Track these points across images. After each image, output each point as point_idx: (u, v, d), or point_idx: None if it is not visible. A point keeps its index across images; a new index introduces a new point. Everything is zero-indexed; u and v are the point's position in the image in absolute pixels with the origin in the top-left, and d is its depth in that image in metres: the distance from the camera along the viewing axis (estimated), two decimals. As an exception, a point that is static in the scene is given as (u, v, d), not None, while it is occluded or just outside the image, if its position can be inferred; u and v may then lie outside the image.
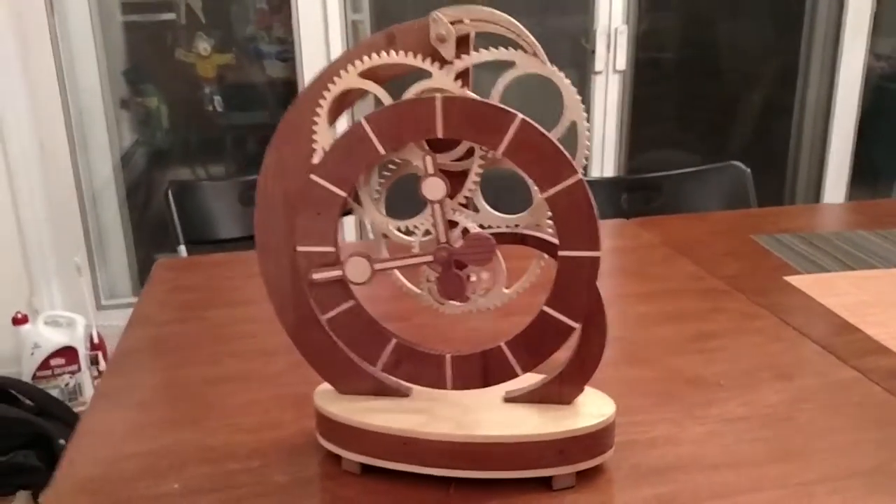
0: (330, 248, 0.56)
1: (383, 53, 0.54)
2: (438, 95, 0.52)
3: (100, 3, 2.16)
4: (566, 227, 0.53)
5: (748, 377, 0.74)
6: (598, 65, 2.28)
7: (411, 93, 0.54)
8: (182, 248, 1.46)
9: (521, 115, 0.51)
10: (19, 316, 2.05)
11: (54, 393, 2.02)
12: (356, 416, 0.60)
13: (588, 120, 0.53)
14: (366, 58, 0.54)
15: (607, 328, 0.58)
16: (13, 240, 2.08)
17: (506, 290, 0.59)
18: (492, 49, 0.53)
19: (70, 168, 2.13)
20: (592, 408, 0.60)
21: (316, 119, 0.55)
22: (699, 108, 2.73)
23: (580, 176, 0.52)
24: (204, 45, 2.17)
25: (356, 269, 0.56)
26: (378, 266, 0.56)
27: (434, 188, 0.53)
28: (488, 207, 0.57)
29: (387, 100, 0.54)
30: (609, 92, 2.31)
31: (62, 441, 1.80)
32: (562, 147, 0.52)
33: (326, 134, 0.55)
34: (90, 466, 0.64)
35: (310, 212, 0.56)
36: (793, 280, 0.97)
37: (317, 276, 0.56)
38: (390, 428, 0.59)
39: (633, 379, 0.75)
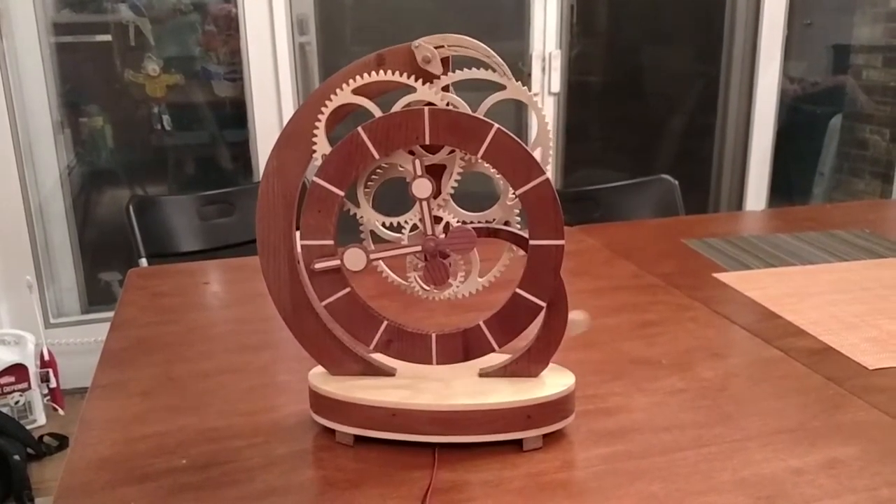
0: (329, 242, 0.64)
1: (370, 74, 0.62)
2: (426, 108, 0.61)
3: (47, 25, 2.18)
4: (535, 220, 0.62)
5: (686, 357, 0.85)
6: (535, 87, 2.41)
7: (398, 106, 0.63)
8: (143, 262, 1.50)
9: (496, 125, 0.60)
10: (-33, 335, 2.04)
11: (5, 410, 2.02)
12: (349, 393, 0.68)
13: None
14: (358, 77, 0.62)
15: (568, 308, 0.67)
16: (-41, 259, 2.07)
17: (480, 279, 0.68)
18: (469, 70, 0.62)
19: (18, 187, 2.14)
20: (555, 380, 0.69)
21: (315, 131, 0.63)
22: (627, 129, 2.89)
23: (547, 176, 0.61)
24: (153, 66, 2.21)
25: (354, 259, 0.64)
26: (373, 255, 0.64)
27: (422, 188, 0.62)
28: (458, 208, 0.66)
29: (377, 113, 0.62)
30: (545, 113, 2.43)
31: (17, 457, 1.80)
32: (531, 152, 0.61)
33: (325, 142, 0.63)
34: (102, 448, 0.70)
35: (312, 209, 0.63)
36: (721, 276, 1.08)
37: (318, 265, 0.64)
38: (380, 401, 0.66)
39: (587, 360, 0.84)
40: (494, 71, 0.63)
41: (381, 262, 0.66)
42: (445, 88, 0.63)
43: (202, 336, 0.94)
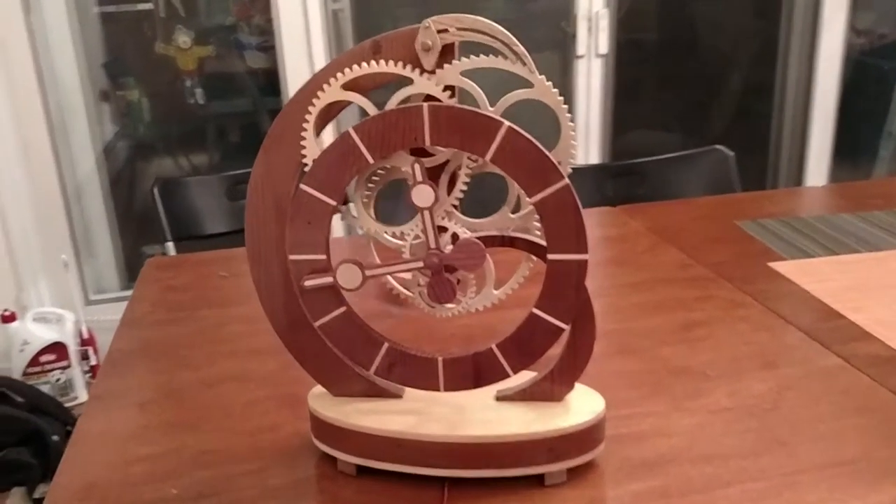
0: (321, 256, 0.57)
1: (369, 63, 0.54)
2: (425, 104, 0.52)
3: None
4: (554, 231, 0.54)
5: (734, 366, 0.76)
6: (580, 49, 2.28)
7: (394, 100, 0.55)
8: (170, 245, 1.46)
9: (507, 123, 0.52)
10: (7, 313, 2.04)
11: (45, 389, 2.02)
12: (349, 419, 0.61)
13: (571, 103, 0.53)
14: (347, 70, 0.54)
15: (596, 326, 0.59)
16: (-2, 237, 2.07)
17: (495, 291, 0.60)
18: (479, 57, 0.54)
19: (53, 164, 2.12)
20: (582, 405, 0.61)
21: (303, 133, 0.56)
22: (680, 89, 2.75)
23: (567, 181, 0.53)
24: (184, 38, 2.15)
25: (347, 276, 0.56)
26: (369, 272, 0.56)
27: (423, 195, 0.54)
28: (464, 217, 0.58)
29: (371, 111, 0.54)
30: (592, 76, 2.31)
31: (55, 437, 1.80)
32: (548, 153, 0.53)
33: (314, 145, 0.56)
34: (91, 471, 0.65)
35: (300, 221, 0.56)
36: (777, 266, 0.98)
37: (308, 282, 0.57)
38: (383, 430, 0.60)
39: (622, 371, 0.76)
40: (524, 64, 0.54)
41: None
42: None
43: (210, 337, 0.89)
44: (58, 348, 2.06)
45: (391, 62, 0.54)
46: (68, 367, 2.08)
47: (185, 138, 2.48)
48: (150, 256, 2.07)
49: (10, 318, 2.04)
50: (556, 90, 0.54)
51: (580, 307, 0.58)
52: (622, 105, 2.49)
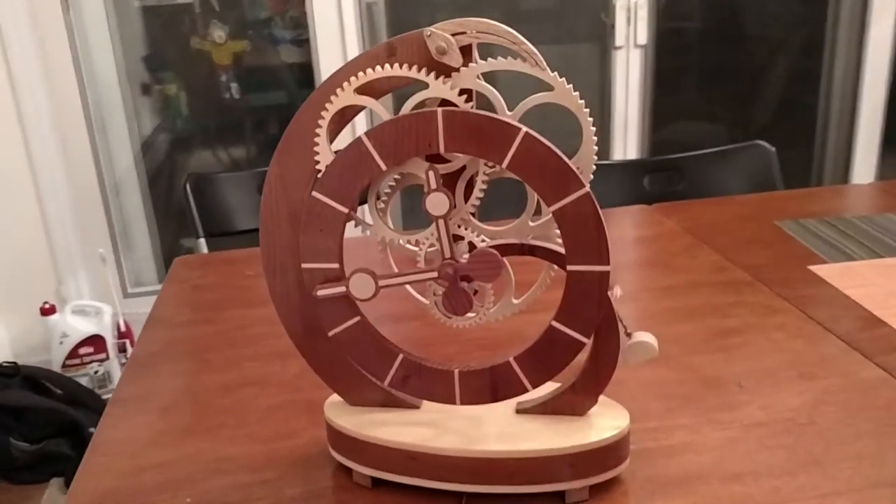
0: (334, 265, 0.55)
1: (382, 67, 0.52)
2: (439, 109, 0.50)
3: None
4: (574, 242, 0.51)
5: (769, 377, 0.73)
6: (619, 39, 2.24)
7: (410, 105, 0.53)
8: (202, 242, 1.46)
9: (524, 128, 0.50)
10: (47, 306, 2.07)
11: (84, 381, 2.05)
12: (364, 430, 0.59)
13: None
14: (361, 73, 0.52)
15: (620, 336, 0.57)
16: (38, 230, 2.10)
17: (515, 301, 0.58)
18: (498, 59, 0.51)
19: (91, 157, 2.14)
20: (606, 419, 0.59)
21: (316, 139, 0.54)
22: (723, 79, 2.68)
23: (587, 189, 0.50)
24: (219, 33, 2.15)
25: (361, 286, 0.55)
26: (383, 283, 0.55)
27: (437, 204, 0.52)
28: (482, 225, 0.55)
29: (385, 115, 0.52)
30: (630, 67, 2.27)
31: (92, 429, 1.82)
32: (567, 160, 0.50)
33: (328, 151, 0.54)
34: (107, 478, 0.64)
35: (313, 229, 0.55)
36: (817, 270, 0.94)
37: (321, 292, 0.55)
38: (398, 442, 0.58)
39: (651, 380, 0.73)
40: (537, 64, 0.52)
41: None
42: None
43: (233, 339, 0.88)
44: (96, 341, 2.08)
45: (405, 66, 0.52)
46: (106, 359, 2.10)
47: (222, 132, 2.48)
48: (189, 249, 2.08)
49: (49, 311, 2.07)
50: (576, 93, 0.51)
51: (605, 316, 0.55)
52: (663, 96, 2.44)
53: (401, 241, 0.56)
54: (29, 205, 2.07)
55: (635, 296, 0.91)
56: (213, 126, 2.47)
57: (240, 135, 2.47)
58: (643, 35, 2.24)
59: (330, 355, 0.60)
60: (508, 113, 0.53)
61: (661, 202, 1.26)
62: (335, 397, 0.63)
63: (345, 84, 0.53)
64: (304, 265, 0.56)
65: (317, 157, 0.55)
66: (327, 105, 0.53)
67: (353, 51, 2.10)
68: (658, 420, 0.67)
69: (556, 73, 0.51)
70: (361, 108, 0.55)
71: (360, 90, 0.53)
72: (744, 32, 2.67)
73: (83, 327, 2.08)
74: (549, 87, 0.52)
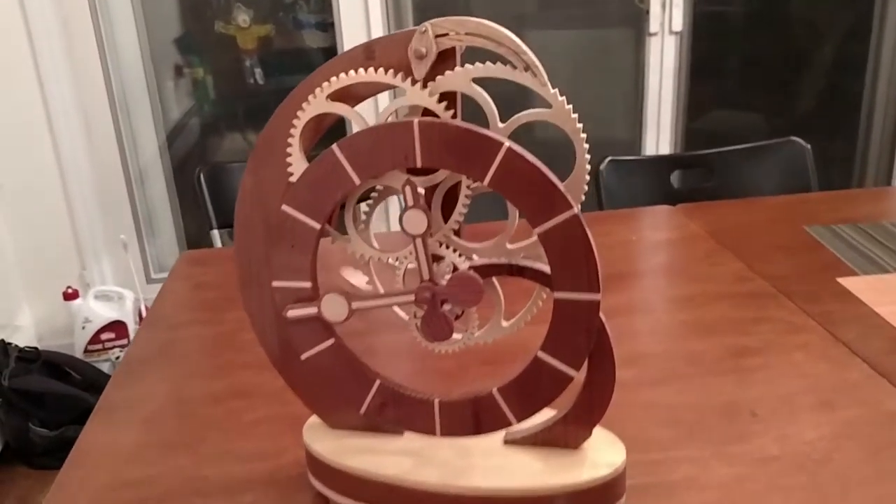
0: (306, 284, 0.51)
1: (357, 71, 0.48)
2: (416, 120, 0.46)
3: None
4: (561, 267, 0.47)
5: (786, 405, 0.67)
6: (654, 26, 2.16)
7: (386, 113, 0.48)
8: (215, 234, 1.44)
9: (508, 143, 0.45)
10: (70, 291, 2.07)
11: (105, 366, 2.05)
12: (342, 459, 0.56)
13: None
14: (334, 79, 0.48)
15: (615, 365, 0.52)
16: (62, 215, 2.10)
17: (504, 324, 0.53)
18: (486, 65, 0.47)
19: (115, 143, 2.13)
20: (601, 454, 0.54)
21: (289, 149, 0.50)
22: (763, 66, 2.58)
23: (576, 211, 0.46)
24: (243, 17, 2.12)
25: (333, 307, 0.51)
26: (356, 305, 0.51)
27: (415, 222, 0.48)
28: (465, 243, 0.51)
29: (360, 123, 0.48)
30: (665, 54, 2.19)
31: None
32: (555, 178, 0.45)
33: (301, 161, 0.50)
34: (81, 496, 0.62)
35: (284, 244, 0.51)
36: (846, 282, 0.88)
37: (292, 313, 0.52)
38: (375, 474, 0.54)
39: (657, 403, 0.69)
40: (534, 75, 0.47)
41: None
42: (453, 95, 0.48)
43: (227, 344, 0.85)
44: (117, 326, 2.08)
45: (381, 70, 0.48)
46: (127, 344, 2.10)
47: (248, 116, 2.46)
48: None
49: (72, 296, 2.07)
50: (575, 115, 0.47)
51: (598, 343, 0.51)
52: (699, 84, 2.35)
53: (380, 258, 0.52)
54: (53, 190, 2.07)
55: (649, 307, 0.86)
56: (239, 110, 2.44)
57: (264, 120, 2.44)
58: (678, 22, 2.16)
59: (308, 376, 0.57)
60: (501, 125, 0.48)
61: (689, 201, 1.20)
62: (315, 419, 0.60)
63: (317, 90, 0.49)
64: (274, 283, 0.52)
65: (290, 169, 0.51)
66: (298, 113, 0.49)
67: (378, 35, 2.05)
68: (661, 451, 0.62)
69: (556, 90, 0.47)
70: (337, 116, 0.51)
71: (336, 96, 0.49)
72: (784, 16, 2.57)
73: (105, 313, 2.08)
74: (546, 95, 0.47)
